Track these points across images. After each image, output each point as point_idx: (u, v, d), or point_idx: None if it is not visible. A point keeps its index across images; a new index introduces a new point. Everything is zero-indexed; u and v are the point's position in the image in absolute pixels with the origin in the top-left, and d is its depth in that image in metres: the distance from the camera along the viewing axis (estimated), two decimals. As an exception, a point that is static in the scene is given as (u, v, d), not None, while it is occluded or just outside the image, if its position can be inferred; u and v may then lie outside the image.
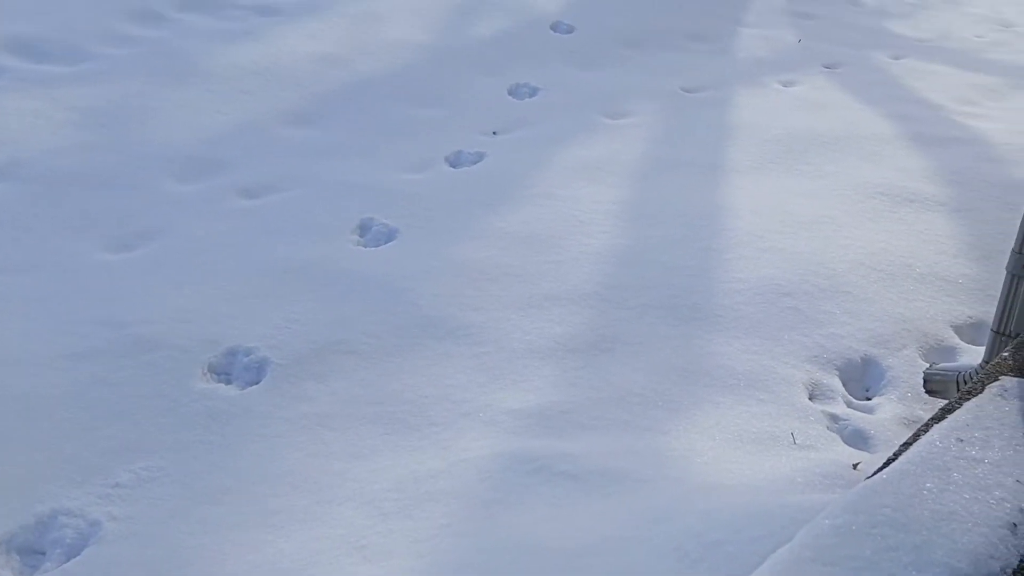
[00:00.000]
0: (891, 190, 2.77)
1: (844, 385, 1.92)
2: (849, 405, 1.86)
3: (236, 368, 1.91)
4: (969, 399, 1.26)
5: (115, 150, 2.72)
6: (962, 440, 1.13)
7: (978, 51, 4.46)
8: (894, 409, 1.83)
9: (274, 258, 2.28)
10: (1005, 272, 1.66)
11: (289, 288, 2.16)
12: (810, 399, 1.84)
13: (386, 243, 2.40)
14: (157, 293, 2.12)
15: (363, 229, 2.47)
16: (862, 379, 1.96)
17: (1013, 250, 1.63)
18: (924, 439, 1.15)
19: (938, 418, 1.24)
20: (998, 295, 1.98)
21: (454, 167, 2.92)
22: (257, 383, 1.86)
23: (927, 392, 1.85)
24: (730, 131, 3.25)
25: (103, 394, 1.84)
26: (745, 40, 4.37)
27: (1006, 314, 1.62)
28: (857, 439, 1.72)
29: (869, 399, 1.91)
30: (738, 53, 4.22)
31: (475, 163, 2.94)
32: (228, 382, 1.89)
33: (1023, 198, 2.75)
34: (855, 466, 1.54)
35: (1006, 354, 1.41)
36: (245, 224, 2.44)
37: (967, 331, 2.17)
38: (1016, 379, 1.29)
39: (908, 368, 1.95)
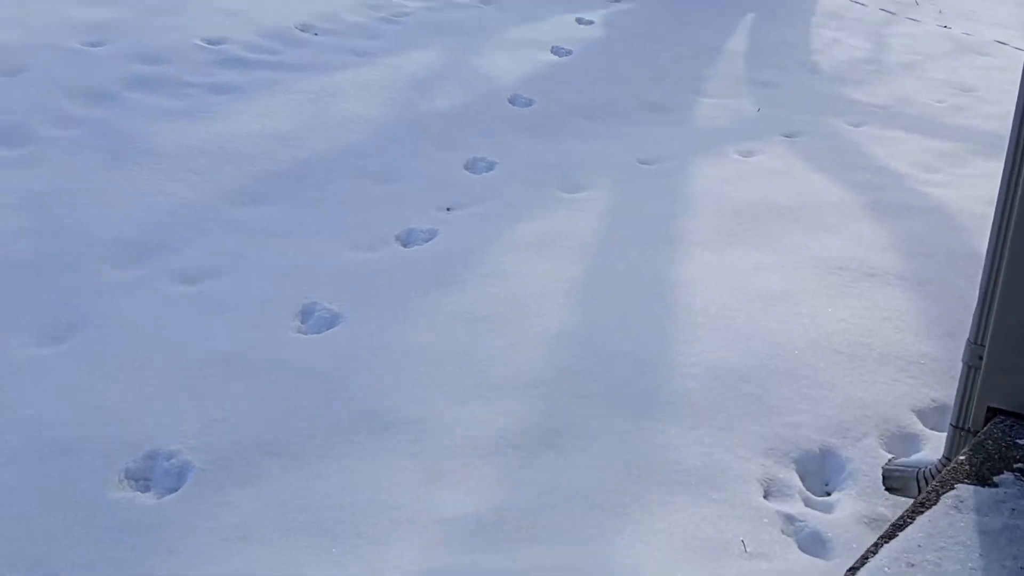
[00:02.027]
0: (851, 263, 2.72)
1: (802, 480, 1.83)
2: (807, 503, 1.76)
3: (156, 474, 1.79)
4: (922, 512, 1.17)
5: (51, 235, 2.62)
6: (912, 565, 1.03)
7: (938, 116, 4.48)
8: (854, 506, 1.73)
9: (209, 349, 2.18)
10: (961, 363, 1.58)
11: (221, 381, 2.05)
12: (765, 497, 1.74)
13: (328, 329, 2.30)
14: (83, 390, 2.01)
15: (305, 314, 2.37)
16: (821, 472, 1.87)
17: (968, 340, 1.56)
18: (872, 564, 1.05)
19: (888, 535, 1.15)
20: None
21: (405, 246, 2.84)
22: (176, 490, 1.74)
23: (887, 489, 1.76)
24: (687, 203, 3.20)
25: (11, 503, 1.72)
26: (704, 110, 4.37)
27: (964, 408, 1.54)
28: (814, 543, 1.62)
29: (828, 494, 1.81)
30: (697, 123, 4.21)
31: (427, 241, 2.87)
32: (146, 489, 1.77)
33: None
34: None
35: (963, 457, 1.32)
36: (182, 311, 2.34)
37: (930, 416, 2.09)
38: (972, 487, 1.20)
39: (869, 459, 1.87)
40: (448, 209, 3.10)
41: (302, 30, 4.59)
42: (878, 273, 2.67)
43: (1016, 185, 1.44)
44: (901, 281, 2.63)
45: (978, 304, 1.54)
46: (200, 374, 2.06)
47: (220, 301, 2.39)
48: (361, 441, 1.85)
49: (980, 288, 1.54)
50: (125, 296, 2.39)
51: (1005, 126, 4.33)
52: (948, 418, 2.00)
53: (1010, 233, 1.45)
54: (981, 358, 1.52)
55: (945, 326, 2.39)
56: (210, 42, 4.13)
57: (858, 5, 6.75)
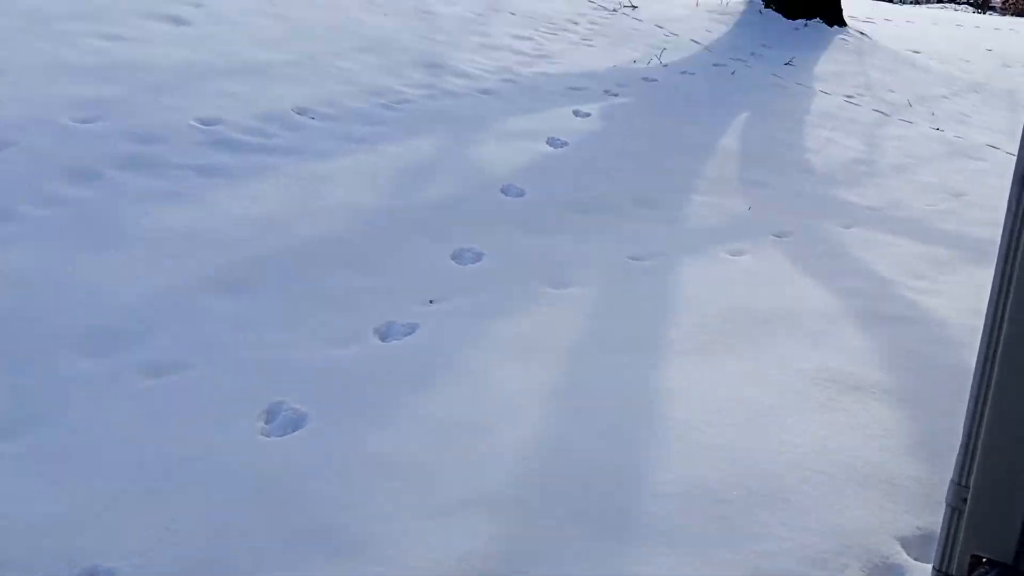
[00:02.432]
0: (836, 375, 2.66)
1: (778, 616, 1.73)
2: (782, 644, 1.67)
3: (93, 596, 1.69)
4: None
5: (17, 321, 2.56)
6: None
7: (929, 221, 4.49)
8: (832, 649, 1.63)
9: (167, 451, 2.09)
10: (945, 505, 1.51)
11: (177, 488, 1.96)
12: (738, 636, 1.65)
13: (293, 431, 2.22)
14: (24, 497, 1.91)
15: (270, 415, 2.29)
16: (798, 608, 1.78)
17: (952, 480, 1.49)
18: None
19: None
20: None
21: (383, 340, 2.78)
22: (114, 613, 1.65)
23: (867, 632, 1.67)
24: (674, 305, 3.16)
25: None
26: (696, 207, 4.37)
27: (947, 552, 1.47)
28: None
29: (805, 633, 1.72)
30: (688, 220, 4.21)
31: (406, 336, 2.81)
32: (81, 612, 1.66)
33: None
34: None
35: (942, 617, 1.24)
36: (142, 408, 2.26)
37: (915, 545, 2.00)
38: (952, 655, 1.12)
39: (849, 596, 1.77)
40: (431, 302, 3.05)
41: (299, 113, 4.62)
42: (864, 387, 2.61)
43: (999, 325, 1.39)
44: (887, 396, 2.57)
45: (962, 443, 1.47)
46: (155, 480, 1.97)
47: (185, 397, 2.31)
48: (314, 561, 1.75)
49: (964, 427, 1.48)
50: (84, 391, 2.31)
51: (995, 233, 4.33)
52: (934, 547, 1.92)
53: (995, 374, 1.39)
54: (965, 500, 1.45)
55: (932, 446, 2.32)
56: (204, 123, 4.14)
57: (852, 105, 6.86)
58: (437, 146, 4.69)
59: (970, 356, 2.85)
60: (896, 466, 2.23)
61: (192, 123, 4.07)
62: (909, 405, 2.52)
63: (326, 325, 2.78)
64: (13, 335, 2.49)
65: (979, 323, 3.12)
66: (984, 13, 26.81)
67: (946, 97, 7.61)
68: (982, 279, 3.58)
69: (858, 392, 2.58)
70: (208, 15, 5.75)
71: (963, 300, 3.33)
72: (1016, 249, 1.42)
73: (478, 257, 3.48)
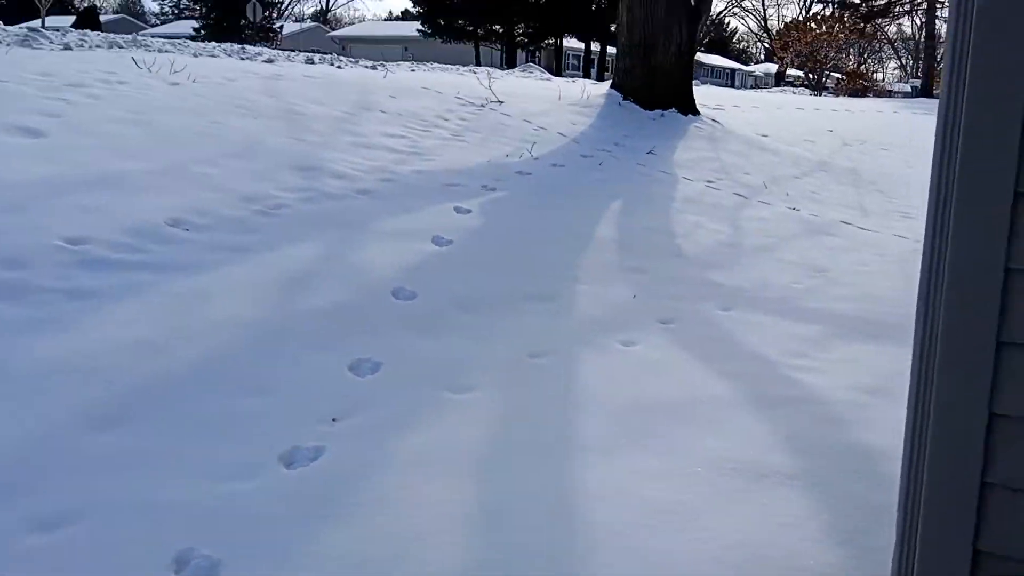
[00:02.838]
0: (740, 465, 2.72)
1: None
2: None
3: None
4: None
5: None
6: None
7: (797, 299, 4.73)
8: None
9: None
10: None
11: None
12: None
13: (205, 581, 2.07)
14: None
15: (180, 564, 2.12)
16: None
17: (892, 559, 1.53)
18: None
19: None
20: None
21: (289, 467, 2.65)
22: None
23: None
24: (575, 403, 3.18)
25: None
26: (583, 298, 4.46)
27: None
28: None
29: None
30: (577, 312, 4.28)
31: (313, 460, 2.69)
32: None
33: (870, 466, 2.77)
34: None
35: None
36: (36, 569, 2.06)
37: (839, 633, 2.04)
38: None
39: None
40: (334, 420, 2.95)
41: (172, 225, 4.46)
42: (769, 473, 2.68)
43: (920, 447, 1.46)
44: (792, 481, 2.64)
45: (896, 549, 1.52)
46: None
47: (79, 553, 2.12)
48: None
49: (897, 534, 1.52)
50: (-38, 555, 2.09)
51: (857, 308, 4.61)
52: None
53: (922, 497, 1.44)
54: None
55: (841, 531, 2.39)
56: (71, 242, 3.93)
57: (713, 190, 7.25)
58: (320, 251, 4.63)
59: (860, 434, 3.01)
60: (810, 553, 2.28)
61: (58, 243, 3.86)
62: (814, 489, 2.60)
63: (224, 457, 2.64)
64: None
65: (861, 399, 3.29)
66: (820, 94, 29.18)
67: (797, 177, 8.16)
68: (854, 355, 3.81)
69: (764, 480, 2.64)
70: (66, 125, 5.54)
71: (842, 377, 3.51)
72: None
73: (376, 367, 3.41)
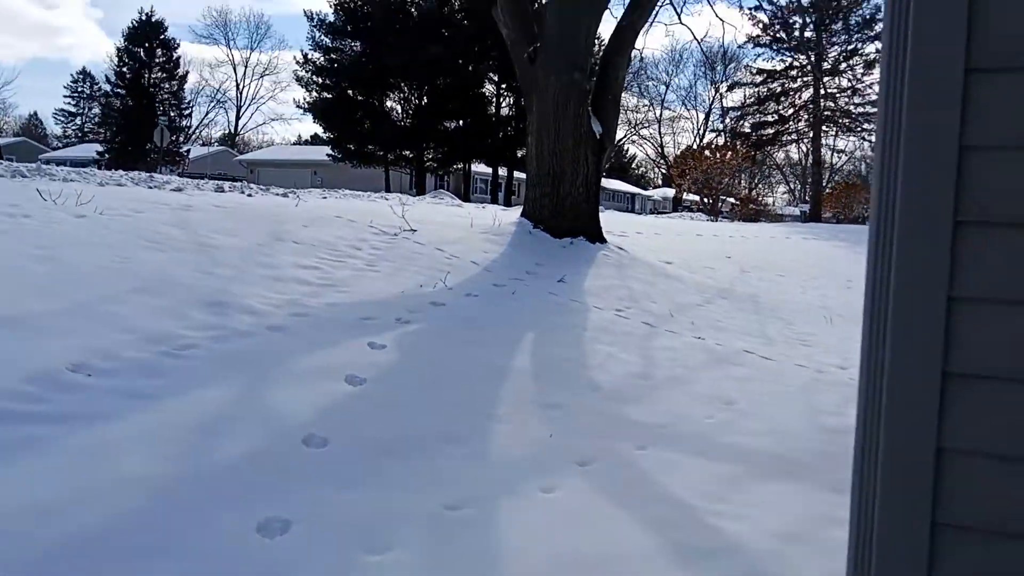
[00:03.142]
0: (667, 623, 2.69)
1: None
2: None
3: None
4: None
5: None
6: None
7: (710, 435, 4.80)
8: None
9: None
10: None
11: None
12: None
13: None
14: None
15: None
16: None
17: None
18: None
19: None
20: None
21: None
22: None
23: None
24: (498, 562, 3.12)
25: None
26: (500, 438, 4.44)
27: None
28: None
29: None
30: (495, 455, 4.25)
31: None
32: None
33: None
34: None
35: None
36: None
37: None
38: None
39: None
40: (241, 593, 2.80)
41: (74, 371, 4.30)
42: (694, 632, 2.66)
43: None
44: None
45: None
46: None
47: None
48: None
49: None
50: None
51: (768, 443, 4.71)
52: None
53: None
54: None
55: None
56: (-37, 393, 3.73)
57: (623, 319, 7.42)
58: (230, 395, 4.51)
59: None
60: None
61: (-52, 396, 3.65)
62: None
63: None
64: None
65: (781, 548, 3.32)
66: (716, 219, 30.67)
67: (700, 305, 8.45)
68: (770, 497, 3.87)
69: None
70: (-38, 265, 5.35)
71: (761, 522, 3.54)
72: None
73: (286, 526, 3.28)
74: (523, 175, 21.68)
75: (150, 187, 12.32)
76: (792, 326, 8.11)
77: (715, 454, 4.45)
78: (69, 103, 69.76)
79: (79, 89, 68.59)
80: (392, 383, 5.08)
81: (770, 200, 51.59)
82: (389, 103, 45.29)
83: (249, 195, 12.55)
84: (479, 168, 49.20)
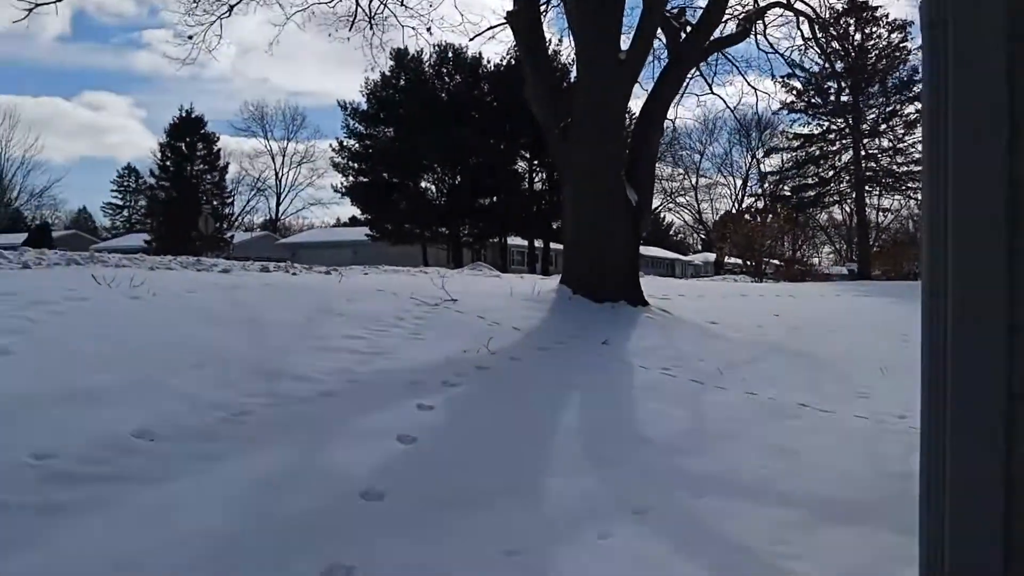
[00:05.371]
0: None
1: None
2: None
3: None
4: None
5: None
6: None
7: (770, 482, 4.75)
8: None
9: None
10: None
11: None
12: None
13: None
14: None
15: None
16: None
17: None
18: None
19: None
20: None
21: None
22: None
23: None
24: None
25: None
26: (553, 490, 4.45)
27: None
28: None
29: None
30: (549, 506, 4.25)
31: None
32: None
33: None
34: None
35: None
36: None
37: None
38: None
39: None
40: (309, 636, 2.84)
41: (137, 436, 4.42)
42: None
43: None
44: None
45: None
46: None
47: None
48: None
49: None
50: None
51: (830, 490, 4.66)
52: None
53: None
54: None
55: None
56: (39, 456, 3.87)
57: (670, 377, 7.42)
58: (287, 456, 4.59)
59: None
60: None
61: (26, 459, 3.79)
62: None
63: None
64: None
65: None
66: (760, 281, 30.42)
67: (750, 362, 8.40)
68: (835, 539, 3.83)
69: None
70: (32, 342, 5.56)
71: (830, 563, 3.49)
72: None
73: (349, 572, 3.32)
74: (559, 245, 21.92)
75: (198, 270, 12.67)
76: (848, 380, 8.02)
77: (774, 500, 4.42)
78: (116, 196, 72.37)
79: (125, 183, 71.14)
80: (442, 441, 5.13)
81: (816, 260, 50.90)
82: (424, 183, 46.30)
83: (294, 274, 12.84)
84: (515, 240, 49.72)
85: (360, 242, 48.09)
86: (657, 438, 5.59)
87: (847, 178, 47.74)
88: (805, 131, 49.68)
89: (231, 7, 15.82)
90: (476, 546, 3.64)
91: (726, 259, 46.76)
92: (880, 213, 53.67)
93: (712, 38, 12.97)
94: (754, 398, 6.83)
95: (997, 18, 1.78)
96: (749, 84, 56.34)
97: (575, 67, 12.07)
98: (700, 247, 74.28)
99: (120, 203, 72.22)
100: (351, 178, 46.57)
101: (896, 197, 48.63)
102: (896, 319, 12.09)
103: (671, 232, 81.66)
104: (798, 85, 44.35)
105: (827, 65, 24.51)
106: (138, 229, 62.09)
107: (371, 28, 16.67)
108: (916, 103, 42.49)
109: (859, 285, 23.47)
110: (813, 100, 46.70)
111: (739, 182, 64.43)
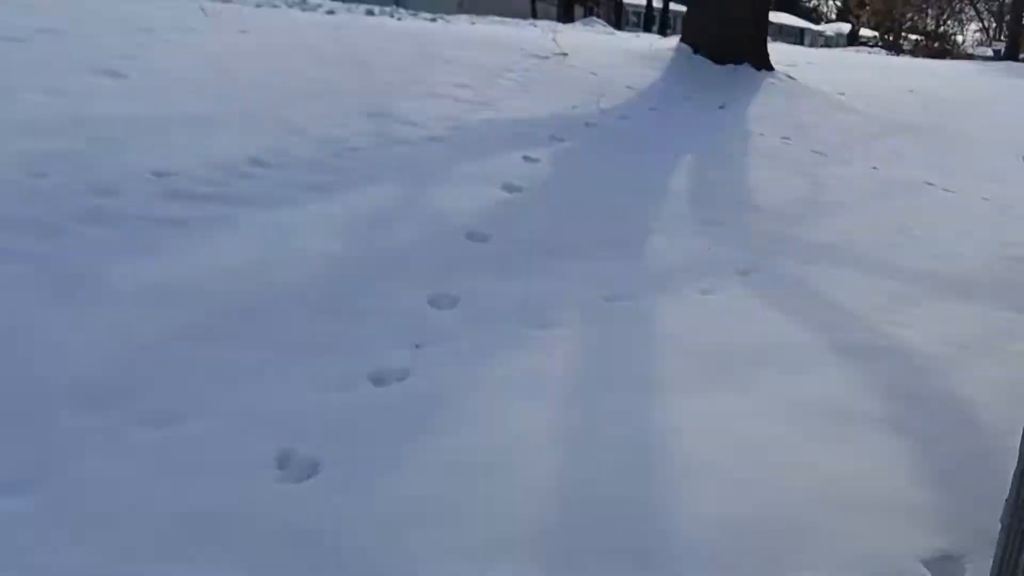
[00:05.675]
0: (830, 406, 2.69)
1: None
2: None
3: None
4: None
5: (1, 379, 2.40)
6: None
7: (883, 256, 4.60)
8: None
9: (185, 504, 1.99)
10: (1000, 524, 1.52)
11: (199, 544, 1.85)
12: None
13: (309, 478, 2.14)
14: (40, 555, 1.78)
15: (282, 462, 2.20)
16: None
17: (1008, 500, 1.50)
18: None
19: None
20: (962, 523, 1.87)
21: (377, 385, 2.70)
22: None
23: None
24: (656, 344, 3.17)
25: None
26: (657, 247, 4.41)
27: (1004, 572, 1.47)
28: None
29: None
30: (652, 260, 4.24)
31: (400, 380, 2.73)
32: None
33: (958, 414, 2.71)
34: None
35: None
36: (151, 461, 2.14)
37: (937, 567, 2.01)
38: None
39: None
40: (417, 346, 2.99)
41: (252, 163, 4.52)
42: (859, 417, 2.65)
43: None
44: (883, 426, 2.61)
45: (1020, 462, 1.49)
46: (175, 536, 1.86)
47: (189, 450, 2.20)
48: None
49: (1021, 448, 1.49)
50: (86, 446, 2.18)
51: (945, 267, 4.48)
52: (956, 569, 1.95)
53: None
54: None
55: (936, 473, 2.35)
56: (158, 174, 4.02)
57: (789, 146, 7.09)
58: (395, 193, 4.65)
59: (949, 384, 2.94)
60: (907, 492, 2.25)
61: (146, 175, 3.94)
62: (907, 435, 2.56)
63: (316, 372, 2.69)
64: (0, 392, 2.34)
65: (951, 352, 3.22)
66: (896, 56, 28.16)
67: (876, 137, 7.93)
68: (943, 312, 3.72)
69: (854, 423, 2.61)
70: (144, 69, 5.64)
71: (932, 332, 3.42)
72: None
73: (455, 302, 3.43)
74: (680, 6, 20.57)
75: (303, 10, 12.46)
76: (980, 163, 7.51)
77: (885, 273, 4.29)
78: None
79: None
80: (548, 192, 5.10)
81: (959, 39, 46.31)
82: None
83: (398, 19, 12.52)
84: (631, -2, 46.84)
85: (468, -7, 46.24)
86: (768, 205, 5.43)
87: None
88: None
89: None
90: (579, 290, 3.69)
91: (861, 31, 43.18)
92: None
93: None
94: (876, 173, 6.51)
95: None
96: None
97: None
98: (833, 16, 68.41)
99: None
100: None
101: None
102: (1043, 104, 11.12)
103: (802, -2, 75.17)
104: None
105: None
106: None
107: None
108: None
109: (1007, 66, 21.47)
110: None
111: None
